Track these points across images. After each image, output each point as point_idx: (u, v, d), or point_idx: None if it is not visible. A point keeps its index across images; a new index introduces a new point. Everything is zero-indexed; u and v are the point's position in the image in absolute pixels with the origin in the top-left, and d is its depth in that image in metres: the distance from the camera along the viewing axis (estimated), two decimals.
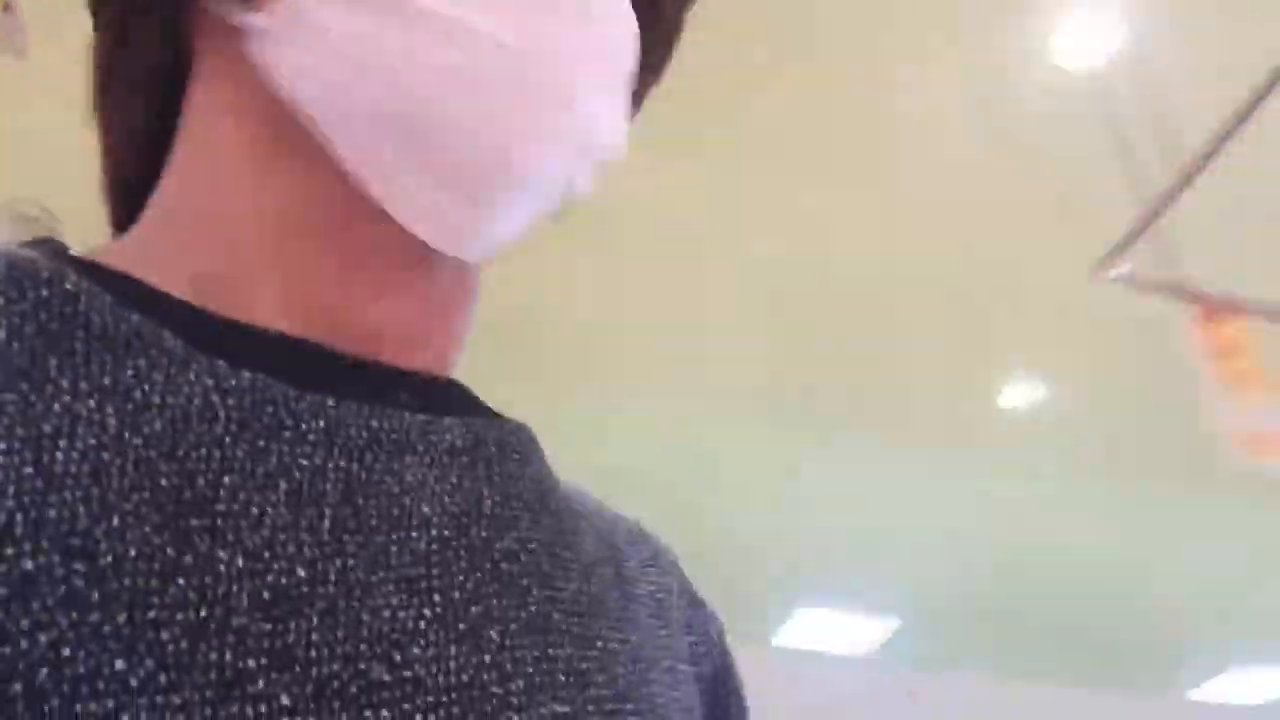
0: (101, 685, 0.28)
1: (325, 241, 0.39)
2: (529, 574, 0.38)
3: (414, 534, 0.36)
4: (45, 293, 0.34)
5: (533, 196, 0.39)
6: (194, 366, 0.34)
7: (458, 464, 0.39)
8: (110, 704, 0.28)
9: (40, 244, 0.38)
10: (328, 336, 0.38)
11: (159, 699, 0.29)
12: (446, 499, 0.37)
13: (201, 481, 0.32)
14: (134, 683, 0.29)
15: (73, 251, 0.39)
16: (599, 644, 0.39)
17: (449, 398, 0.42)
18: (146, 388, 0.33)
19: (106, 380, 0.33)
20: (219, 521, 0.32)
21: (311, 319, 0.38)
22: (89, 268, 0.37)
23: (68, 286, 0.34)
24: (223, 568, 0.31)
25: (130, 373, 0.33)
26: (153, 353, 0.34)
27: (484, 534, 0.38)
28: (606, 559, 0.44)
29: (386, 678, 0.32)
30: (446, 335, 0.43)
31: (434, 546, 0.36)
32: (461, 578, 0.36)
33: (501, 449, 0.41)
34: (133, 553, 0.30)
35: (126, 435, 0.32)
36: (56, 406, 0.31)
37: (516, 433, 0.43)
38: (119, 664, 0.29)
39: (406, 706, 0.32)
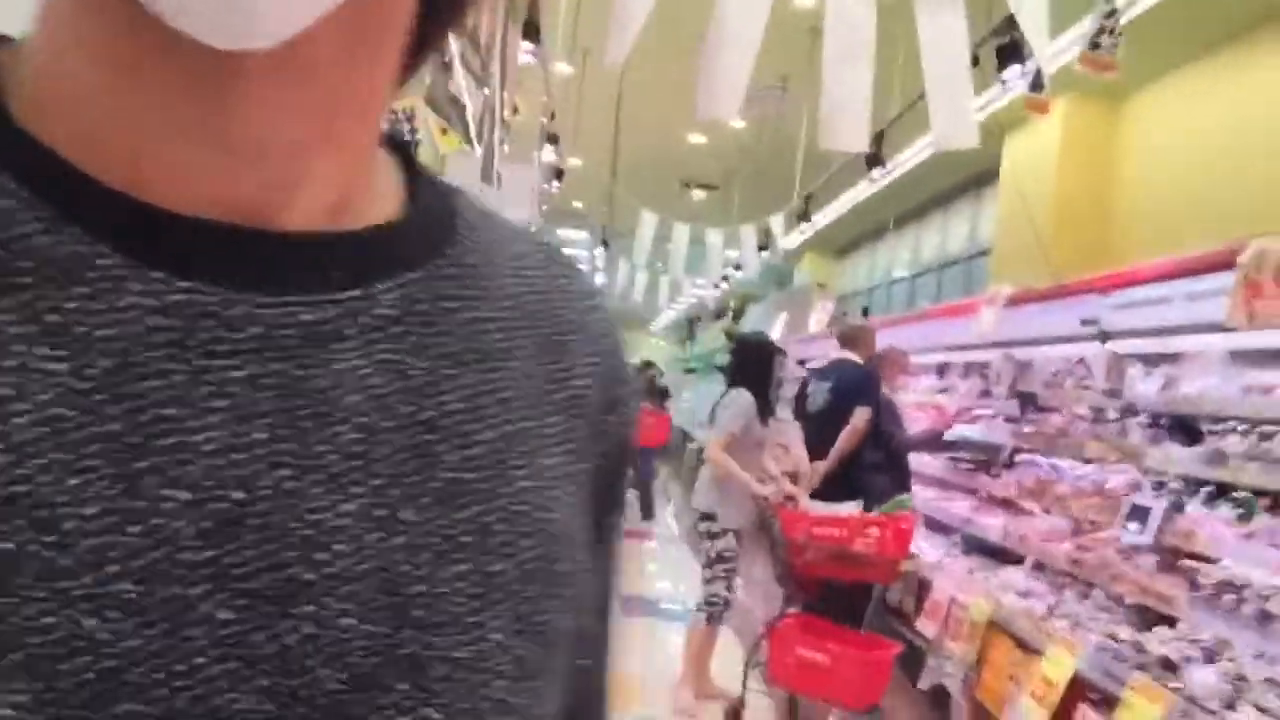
0: (79, 644, 0.32)
1: (152, 82, 0.36)
2: (448, 439, 0.41)
3: (340, 428, 0.38)
4: None
5: None
6: (132, 286, 0.35)
7: (388, 336, 0.40)
8: (88, 658, 0.32)
9: None
10: (233, 203, 0.38)
11: (125, 645, 0.33)
12: (375, 380, 0.39)
13: (146, 419, 0.35)
14: (103, 636, 0.33)
15: None
16: (505, 489, 0.42)
17: (385, 252, 0.42)
18: (90, 321, 0.35)
19: (52, 318, 0.34)
20: (163, 459, 0.35)
21: (200, 182, 0.37)
22: (13, 138, 0.37)
23: (4, 204, 0.35)
24: (168, 506, 0.35)
25: (73, 305, 0.35)
26: (92, 275, 0.35)
27: (408, 408, 0.40)
28: (539, 374, 0.46)
29: (310, 576, 0.36)
30: (341, 156, 0.41)
31: (359, 436, 0.38)
32: (383, 464, 0.39)
33: (435, 302, 0.43)
34: (90, 511, 0.33)
35: (74, 381, 0.34)
36: (10, 362, 0.34)
37: (455, 273, 0.44)
38: (89, 622, 0.33)
39: (326, 599, 0.36)
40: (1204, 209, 6.67)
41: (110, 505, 0.34)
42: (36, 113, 0.37)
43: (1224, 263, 3.09)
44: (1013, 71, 4.05)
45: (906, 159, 9.21)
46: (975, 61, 3.86)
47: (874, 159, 5.57)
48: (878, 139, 6.01)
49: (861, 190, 11.20)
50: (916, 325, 7.14)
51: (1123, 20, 6.40)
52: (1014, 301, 5.12)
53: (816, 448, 5.24)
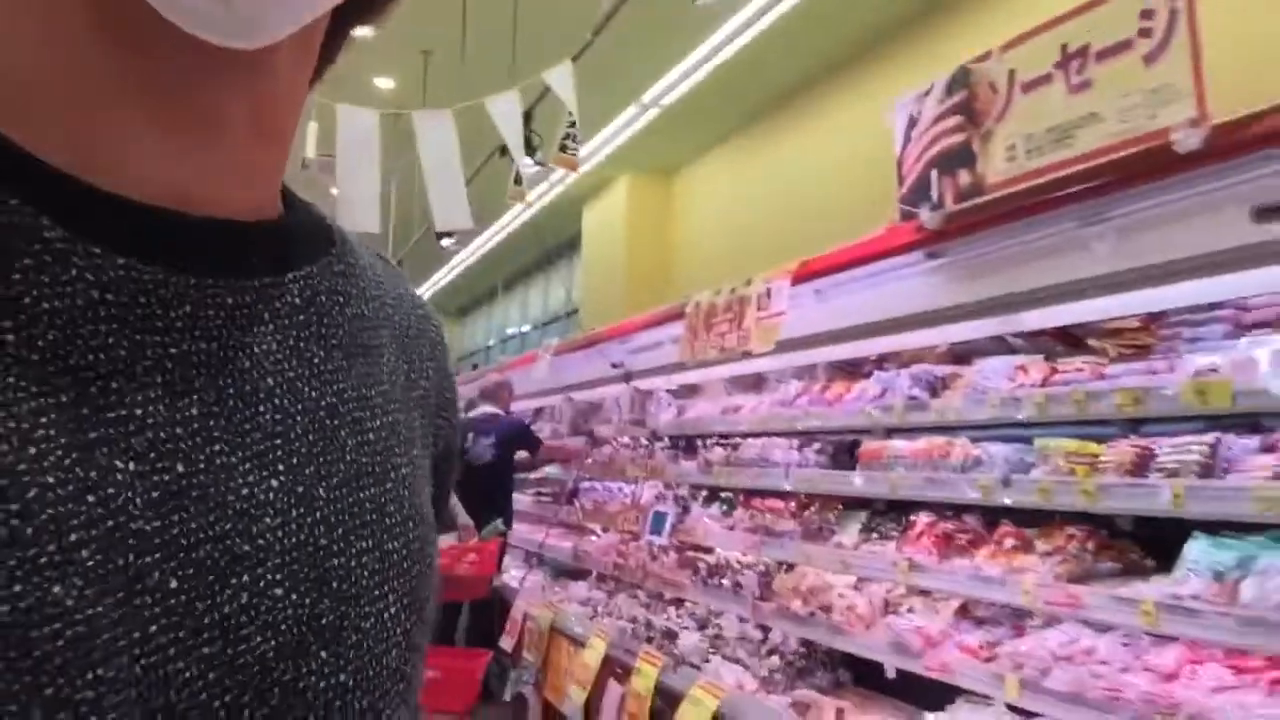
0: (47, 610, 0.32)
1: (125, 71, 0.38)
2: (346, 424, 0.45)
3: (262, 408, 0.41)
4: None
5: None
6: (75, 260, 0.36)
7: (296, 324, 0.44)
8: (57, 625, 0.32)
9: None
10: (168, 187, 0.39)
11: (90, 611, 0.33)
12: (286, 365, 0.43)
13: (94, 390, 0.36)
14: (70, 603, 0.33)
15: None
16: (393, 474, 0.46)
17: (291, 245, 0.45)
18: (35, 293, 0.35)
19: (2, 289, 0.35)
20: (112, 430, 0.36)
21: (141, 165, 0.38)
22: None
23: None
24: (120, 476, 0.35)
25: (18, 276, 0.35)
26: (36, 248, 0.35)
27: (314, 393, 0.44)
28: (399, 365, 0.51)
29: (246, 548, 0.38)
30: (272, 151, 0.44)
31: (277, 417, 0.41)
32: (298, 443, 0.42)
33: (330, 295, 0.46)
34: (51, 480, 0.33)
35: (24, 352, 0.34)
36: None
37: (339, 270, 0.47)
38: (57, 589, 0.33)
39: (259, 570, 0.39)
40: (741, 261, 7.98)
41: (67, 474, 0.34)
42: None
43: (678, 313, 3.97)
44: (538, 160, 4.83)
45: (494, 231, 10.14)
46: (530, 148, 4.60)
47: (441, 233, 6.22)
48: None
49: (463, 258, 12.00)
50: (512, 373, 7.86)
51: (666, 105, 7.60)
52: (559, 351, 5.94)
53: (486, 494, 5.69)
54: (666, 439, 5.11)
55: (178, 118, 0.39)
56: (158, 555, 0.36)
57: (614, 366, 5.22)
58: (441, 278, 13.97)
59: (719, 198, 8.92)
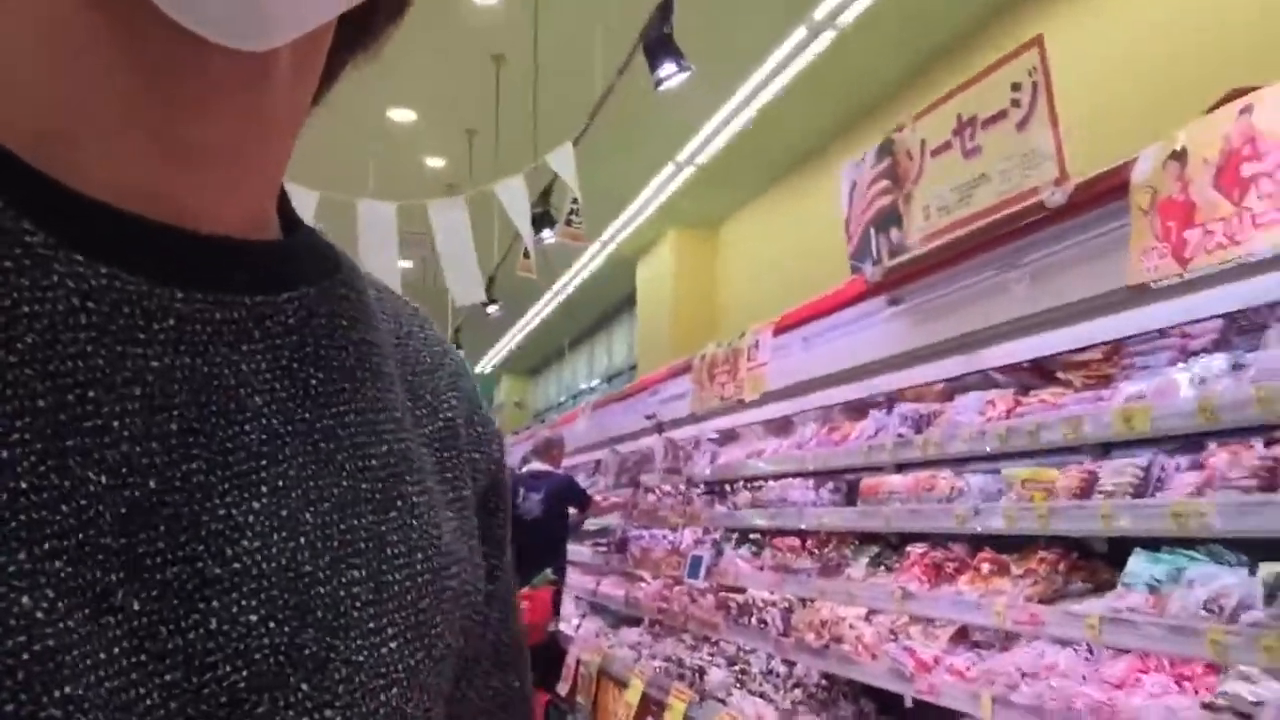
0: (14, 622, 0.31)
1: (125, 69, 0.37)
2: (344, 449, 0.43)
3: (247, 428, 0.39)
4: None
5: None
6: (56, 266, 0.35)
7: (290, 344, 0.42)
8: (23, 638, 0.31)
9: None
10: (157, 198, 0.38)
11: (59, 625, 0.32)
12: (277, 385, 0.41)
13: (71, 398, 0.35)
14: (39, 615, 0.32)
15: None
16: (399, 503, 0.44)
17: (288, 265, 0.44)
18: (15, 295, 0.34)
19: None
20: (87, 440, 0.35)
21: (131, 175, 0.38)
22: None
23: None
24: (92, 488, 0.34)
25: None
26: (17, 251, 0.35)
27: (308, 415, 0.42)
28: (410, 403, 0.49)
29: (219, 571, 0.37)
30: (268, 169, 0.43)
31: (264, 437, 0.40)
32: (285, 465, 0.40)
33: (329, 319, 0.44)
34: (24, 485, 0.33)
35: (3, 354, 0.34)
36: None
37: (343, 294, 0.46)
38: (25, 600, 0.32)
39: (234, 595, 0.37)
40: (782, 307, 8.22)
41: (40, 481, 0.33)
42: None
43: (686, 368, 4.23)
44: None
45: (550, 295, 10.62)
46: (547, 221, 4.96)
47: (489, 300, 6.63)
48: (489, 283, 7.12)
49: (526, 321, 12.49)
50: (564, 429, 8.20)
51: (704, 160, 7.92)
52: (599, 405, 6.23)
53: (536, 548, 5.82)
54: (702, 485, 5.35)
55: (171, 128, 0.38)
56: (123, 573, 0.35)
57: (647, 419, 5.48)
58: (508, 342, 14.47)
59: (761, 247, 9.19)
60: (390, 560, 0.43)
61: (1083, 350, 2.86)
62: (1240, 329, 2.30)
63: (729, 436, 5.37)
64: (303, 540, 0.40)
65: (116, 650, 0.34)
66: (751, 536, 4.77)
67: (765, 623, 4.21)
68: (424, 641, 0.44)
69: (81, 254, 0.36)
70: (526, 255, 4.69)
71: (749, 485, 4.78)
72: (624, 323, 12.92)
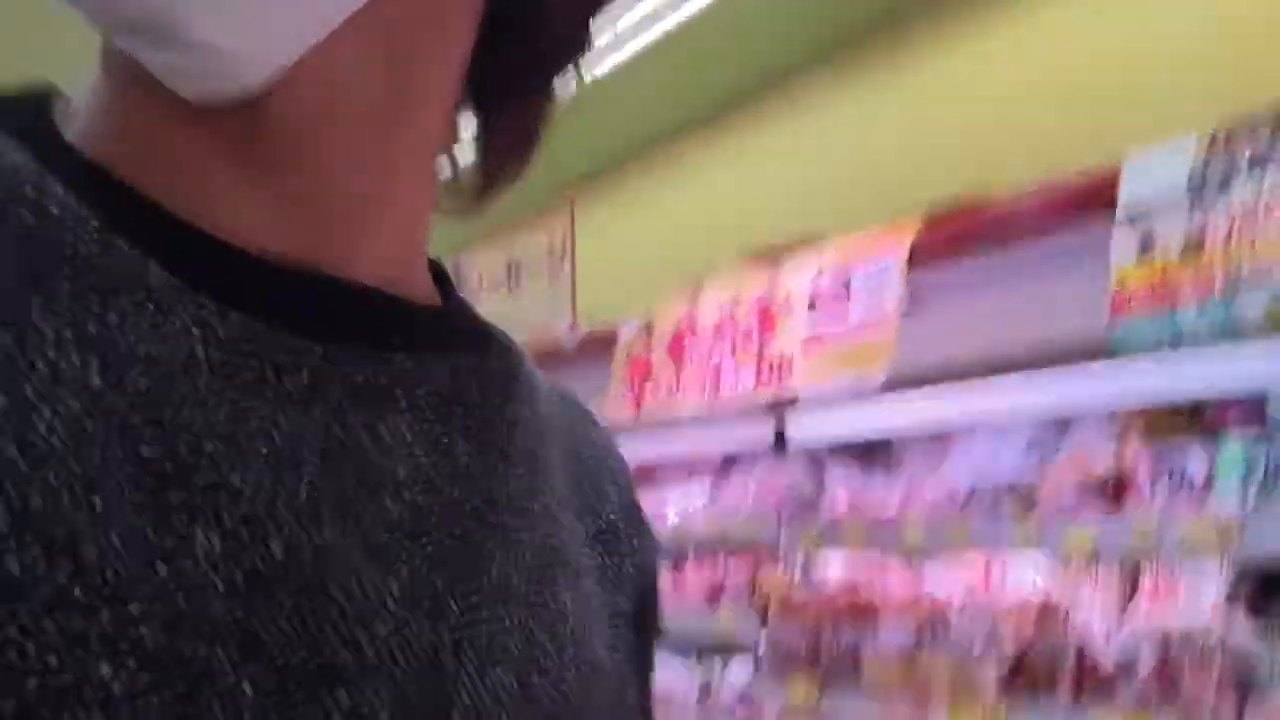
0: (89, 693, 0.27)
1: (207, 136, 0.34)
2: (494, 534, 0.38)
3: (387, 500, 0.35)
4: (31, 220, 0.32)
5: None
6: (180, 309, 0.33)
7: (439, 414, 0.38)
8: (97, 713, 0.27)
9: (23, 118, 0.35)
10: (292, 244, 0.35)
11: (140, 702, 0.28)
12: (423, 457, 0.37)
13: (183, 449, 0.31)
14: (118, 688, 0.28)
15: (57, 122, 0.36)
16: (551, 605, 0.40)
17: (441, 329, 0.40)
18: (132, 337, 0.31)
19: (91, 328, 0.31)
20: (198, 497, 0.31)
21: (257, 219, 0.35)
22: (67, 156, 0.34)
23: (54, 211, 0.32)
24: (200, 551, 0.30)
25: (115, 316, 0.31)
26: (139, 293, 0.32)
27: (456, 493, 0.37)
28: (570, 496, 0.45)
29: (347, 659, 0.32)
30: (403, 222, 0.39)
31: (405, 513, 0.35)
32: (429, 545, 0.36)
33: (484, 392, 0.40)
34: (116, 542, 0.29)
35: (110, 396, 0.30)
36: (40, 364, 0.30)
37: (501, 368, 0.42)
38: (104, 669, 0.28)
39: (364, 687, 0.32)
40: None
41: (136, 536, 0.29)
42: (92, 138, 0.35)
43: None
44: None
45: None
46: None
47: None
48: None
49: None
50: None
51: None
52: None
53: None
54: None
55: (269, 180, 0.35)
56: (234, 652, 0.30)
57: None
58: None
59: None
60: (539, 665, 0.38)
61: None
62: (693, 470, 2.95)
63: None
64: (444, 632, 0.35)
65: None
66: None
67: None
68: None
69: (210, 298, 0.33)
70: None
71: None
72: None
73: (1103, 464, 1.91)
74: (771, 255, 2.42)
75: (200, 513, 0.31)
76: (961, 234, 2.02)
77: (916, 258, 2.05)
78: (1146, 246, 1.66)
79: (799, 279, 2.30)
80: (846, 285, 2.17)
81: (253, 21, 0.31)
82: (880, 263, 2.12)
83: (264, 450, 0.32)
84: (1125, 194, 1.71)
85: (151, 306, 0.32)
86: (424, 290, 0.41)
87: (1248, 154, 1.57)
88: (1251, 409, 1.70)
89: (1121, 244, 1.70)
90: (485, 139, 0.42)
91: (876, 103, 2.87)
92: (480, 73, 0.40)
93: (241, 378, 0.33)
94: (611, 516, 0.47)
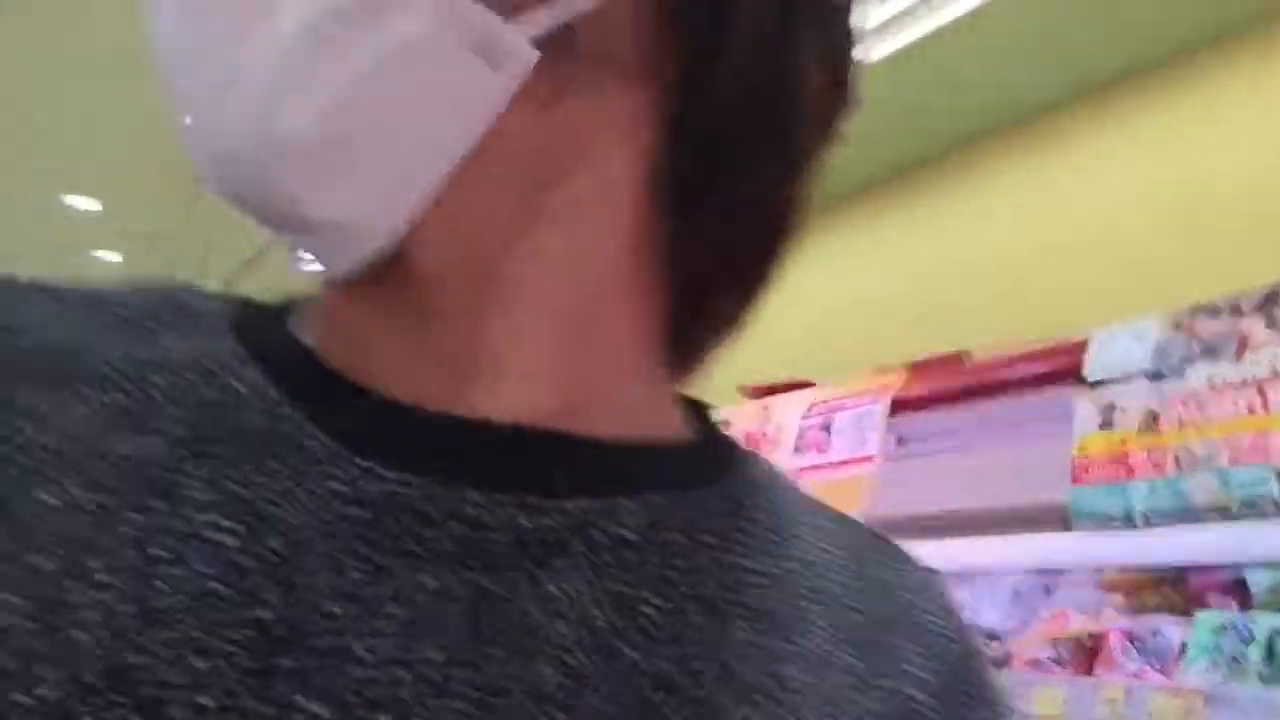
0: None
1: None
2: (687, 704, 0.32)
3: (542, 664, 0.31)
4: (213, 394, 0.33)
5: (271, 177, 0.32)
6: (334, 470, 0.32)
7: (622, 561, 0.34)
8: None
9: (266, 316, 0.38)
10: (454, 396, 0.35)
11: None
12: (595, 611, 0.33)
13: (304, 612, 0.30)
14: None
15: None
16: None
17: (626, 466, 0.36)
18: (277, 500, 0.31)
19: (241, 490, 0.31)
20: (311, 661, 0.29)
21: (420, 379, 0.35)
22: (281, 341, 0.36)
23: (237, 387, 0.34)
24: (300, 717, 0.29)
25: (263, 480, 0.32)
26: (294, 457, 0.32)
27: (635, 653, 0.33)
28: (849, 661, 0.37)
29: None
30: (580, 359, 0.36)
31: (563, 678, 0.31)
32: (587, 717, 0.31)
33: (689, 534, 0.36)
34: (206, 702, 0.28)
35: (242, 558, 0.30)
36: (180, 526, 0.30)
37: (725, 507, 0.37)
38: None
39: None
40: None
41: (232, 702, 0.28)
42: (307, 322, 0.37)
43: None
44: None
45: None
46: None
47: None
48: None
49: None
50: None
51: None
52: None
53: None
54: None
55: (428, 345, 0.35)
56: None
57: None
58: None
59: None
60: None
61: None
62: None
63: None
64: None
65: None
66: None
67: None
68: None
69: (364, 457, 0.33)
70: None
71: None
72: None
73: (1078, 625, 1.91)
74: (763, 393, 2.48)
75: (309, 680, 0.29)
76: (943, 386, 2.07)
77: (899, 406, 2.10)
78: (1107, 419, 1.70)
79: (788, 416, 2.35)
80: (828, 427, 2.22)
81: (360, 194, 0.32)
82: (863, 407, 2.17)
83: (398, 613, 0.31)
84: (1090, 365, 1.76)
85: (304, 469, 0.32)
86: (629, 422, 0.37)
87: (1204, 339, 1.61)
88: (1233, 585, 1.70)
89: (1084, 412, 1.74)
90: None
91: (864, 261, 3.04)
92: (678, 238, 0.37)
93: (387, 536, 0.32)
94: (909, 690, 0.38)
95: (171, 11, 0.33)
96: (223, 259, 5.18)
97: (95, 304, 0.37)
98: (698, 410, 0.41)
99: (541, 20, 0.32)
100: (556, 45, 0.33)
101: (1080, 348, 1.80)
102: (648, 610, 0.33)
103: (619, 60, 0.35)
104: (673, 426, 0.39)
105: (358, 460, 0.32)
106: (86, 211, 6.13)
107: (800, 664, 0.35)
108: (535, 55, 0.32)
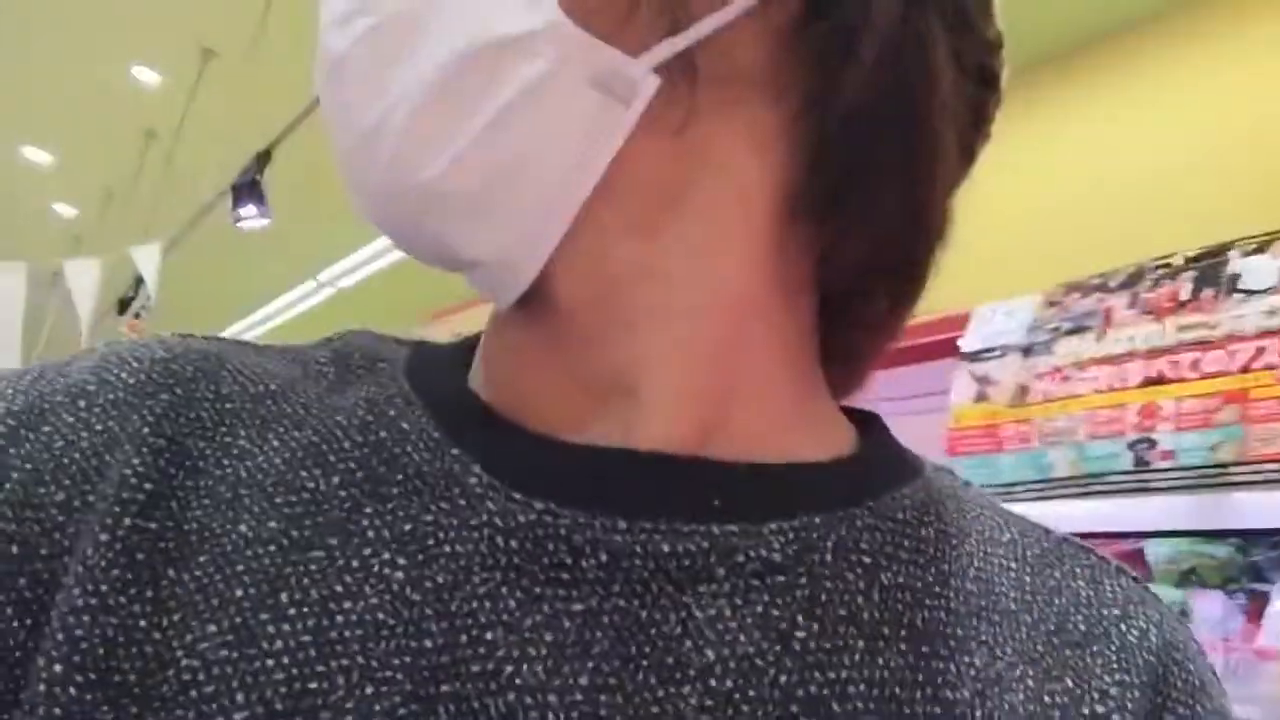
0: None
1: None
2: None
3: (686, 689, 0.32)
4: (383, 435, 0.36)
5: (428, 220, 0.35)
6: (488, 504, 0.34)
7: (769, 585, 0.34)
8: None
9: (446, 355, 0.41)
10: (596, 425, 0.36)
11: None
12: (742, 636, 0.33)
13: (465, 638, 0.32)
14: None
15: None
16: None
17: (775, 488, 0.36)
18: (440, 535, 0.33)
19: (407, 527, 0.34)
20: (469, 686, 0.31)
21: (564, 410, 0.36)
22: (448, 382, 0.39)
23: (404, 427, 0.36)
24: None
25: (429, 518, 0.34)
26: (455, 493, 0.34)
27: (784, 678, 0.32)
28: (1043, 681, 0.36)
29: None
30: (722, 380, 0.36)
31: (709, 702, 0.32)
32: None
33: (844, 554, 0.35)
34: None
35: (409, 591, 0.32)
36: (355, 562, 0.33)
37: (882, 526, 0.36)
38: None
39: None
40: None
41: None
42: (477, 360, 0.40)
43: None
44: None
45: None
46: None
47: None
48: None
49: None
50: None
51: (343, 287, 8.08)
52: None
53: None
54: None
55: (571, 372, 0.37)
56: None
57: None
58: None
59: None
60: None
61: None
62: None
63: None
64: None
65: None
66: None
67: None
68: None
69: (516, 489, 0.34)
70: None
71: None
72: None
73: None
74: None
75: (467, 701, 0.31)
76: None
77: None
78: (982, 392, 1.74)
79: None
80: None
81: (501, 232, 0.35)
82: None
83: (550, 637, 0.32)
84: (968, 338, 1.80)
85: (464, 503, 0.34)
86: (782, 445, 0.37)
87: (1070, 316, 1.65)
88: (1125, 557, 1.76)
89: (961, 384, 1.78)
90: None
91: None
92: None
93: (538, 564, 0.33)
94: (1101, 710, 0.36)
95: (325, 67, 0.36)
96: (170, 216, 5.15)
97: (297, 357, 0.40)
98: (868, 425, 0.41)
99: (663, 50, 0.33)
100: (682, 72, 0.34)
101: (961, 321, 1.83)
102: (798, 634, 0.33)
103: (745, 81, 0.35)
104: (832, 444, 0.39)
105: (511, 493, 0.34)
106: (42, 165, 6.00)
107: (967, 686, 0.34)
108: (656, 82, 0.33)
